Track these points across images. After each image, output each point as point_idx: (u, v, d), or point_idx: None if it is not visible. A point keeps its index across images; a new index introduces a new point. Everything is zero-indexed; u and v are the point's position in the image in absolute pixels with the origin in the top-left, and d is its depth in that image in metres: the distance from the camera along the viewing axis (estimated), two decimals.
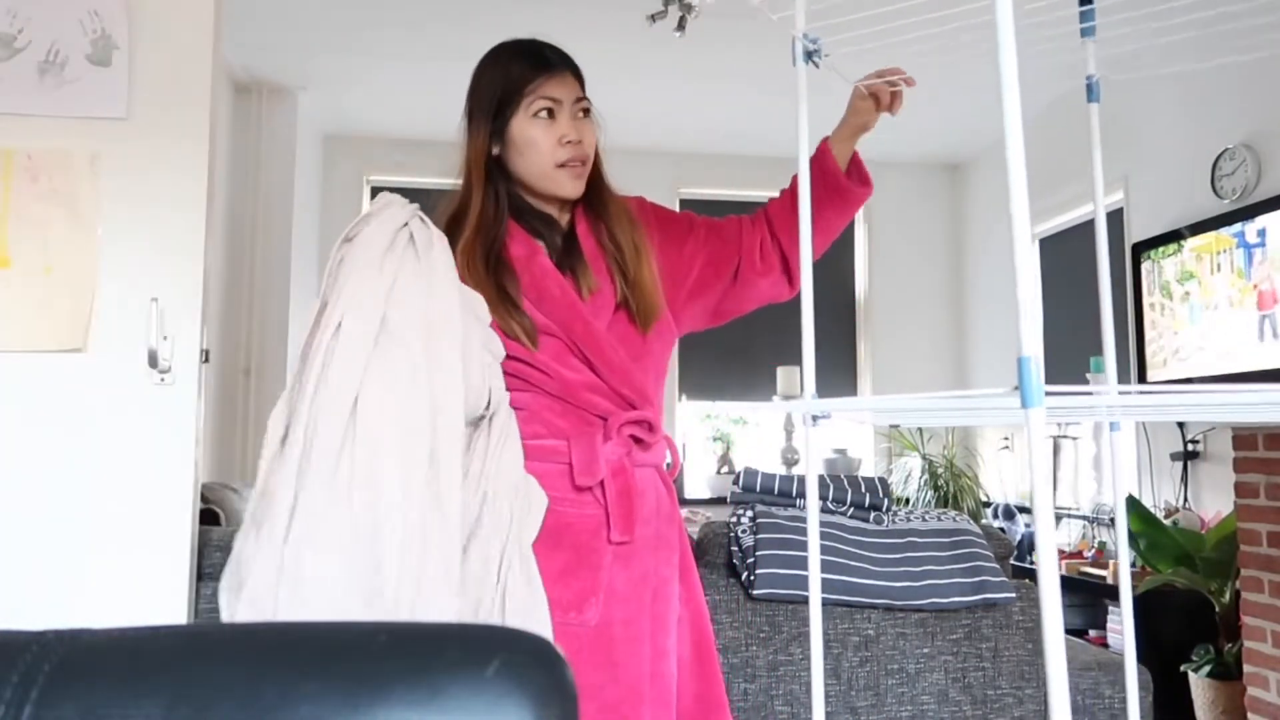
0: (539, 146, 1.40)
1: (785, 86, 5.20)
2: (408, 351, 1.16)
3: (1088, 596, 4.12)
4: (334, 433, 1.10)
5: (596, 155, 1.49)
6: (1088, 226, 4.68)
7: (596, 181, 1.49)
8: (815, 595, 0.92)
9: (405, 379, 1.15)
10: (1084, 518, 4.55)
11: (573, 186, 1.43)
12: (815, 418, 1.09)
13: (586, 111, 1.45)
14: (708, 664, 1.45)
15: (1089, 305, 4.51)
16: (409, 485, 1.11)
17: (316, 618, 1.06)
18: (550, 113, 1.41)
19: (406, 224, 1.28)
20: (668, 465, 1.49)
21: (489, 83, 1.44)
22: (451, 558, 1.15)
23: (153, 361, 2.25)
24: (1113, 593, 3.72)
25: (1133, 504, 3.64)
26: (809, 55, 1.11)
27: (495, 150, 1.44)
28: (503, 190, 1.44)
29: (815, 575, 0.93)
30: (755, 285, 1.56)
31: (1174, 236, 3.92)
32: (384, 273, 1.21)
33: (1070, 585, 4.11)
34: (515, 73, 1.42)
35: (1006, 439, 5.41)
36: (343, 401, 1.11)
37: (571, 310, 1.39)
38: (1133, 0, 1.43)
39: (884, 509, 2.51)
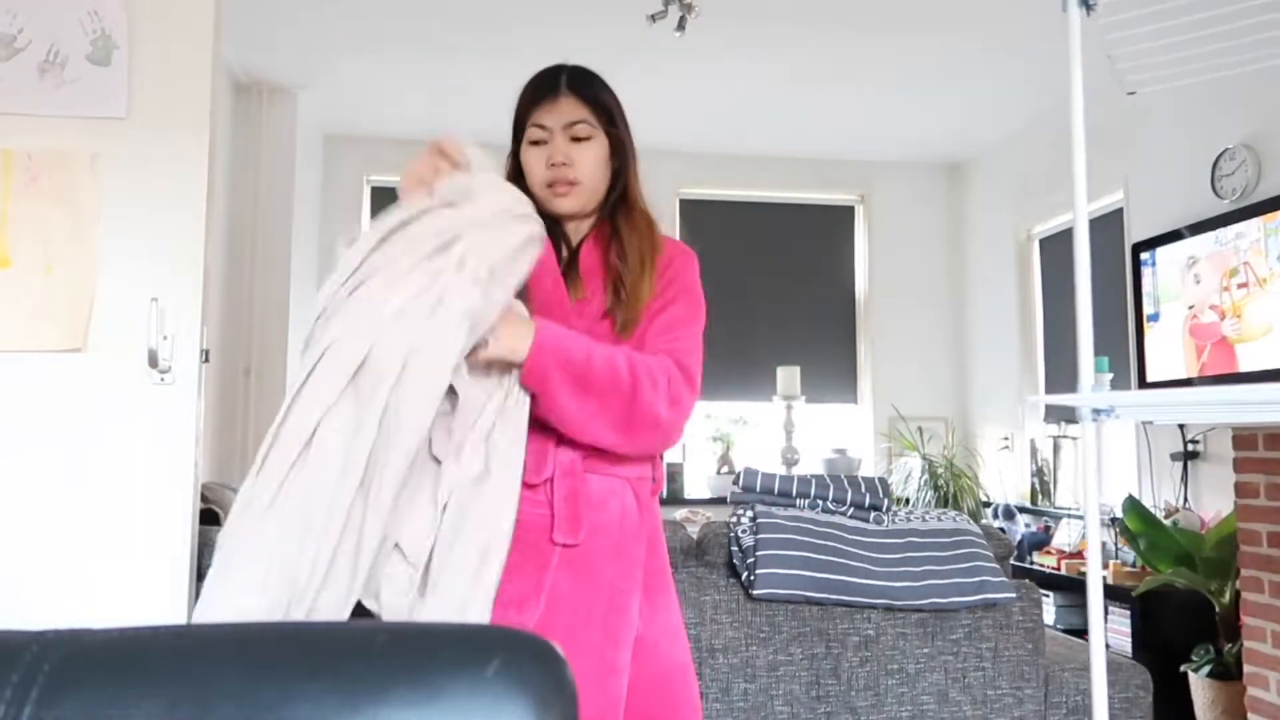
0: (532, 172, 1.49)
1: (785, 86, 5.18)
2: (375, 390, 1.21)
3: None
4: (288, 455, 1.19)
5: (627, 176, 1.53)
6: (1089, 225, 4.68)
7: (619, 200, 1.53)
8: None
9: (360, 420, 1.21)
10: (1083, 518, 4.55)
11: (559, 204, 1.49)
12: (1097, 411, 1.09)
13: (583, 138, 1.48)
14: (670, 690, 1.41)
15: (1092, 303, 4.50)
16: (336, 500, 1.17)
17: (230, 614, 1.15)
18: (540, 141, 1.49)
19: (460, 240, 1.28)
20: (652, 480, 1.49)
21: (514, 115, 1.54)
22: (362, 564, 1.19)
23: (153, 361, 2.25)
24: (1113, 592, 3.72)
25: (1133, 504, 3.64)
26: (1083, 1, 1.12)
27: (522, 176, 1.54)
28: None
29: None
30: None
31: (1174, 236, 3.92)
32: (398, 289, 1.23)
33: (1070, 585, 4.11)
34: (520, 104, 1.52)
35: (1006, 439, 5.41)
36: (303, 430, 1.21)
37: (560, 307, 1.43)
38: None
39: (884, 509, 2.51)
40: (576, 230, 1.53)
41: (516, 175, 1.52)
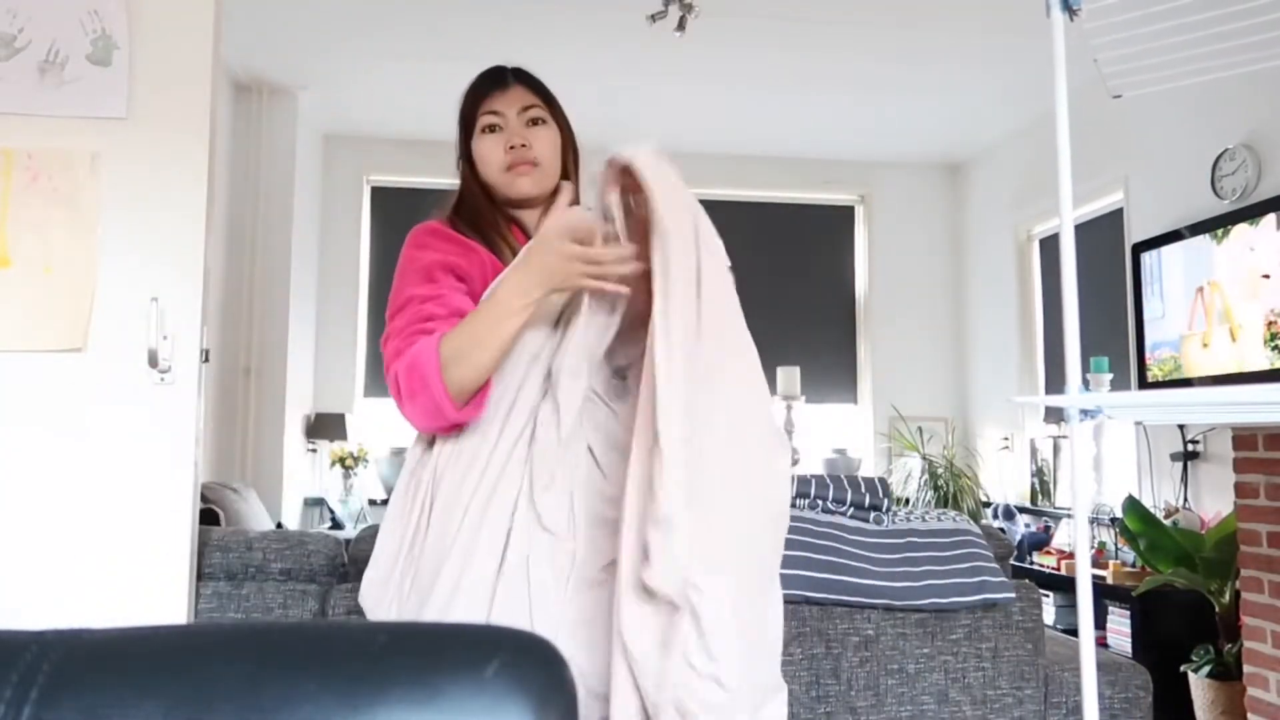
0: (488, 159, 1.48)
1: (784, 86, 5.17)
2: None
3: None
4: None
5: (575, 171, 1.54)
6: (1089, 226, 4.68)
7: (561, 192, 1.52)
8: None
9: None
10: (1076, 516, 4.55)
11: (522, 185, 1.47)
12: (1085, 412, 1.11)
13: (538, 121, 1.49)
14: None
15: (1092, 304, 4.51)
16: None
17: None
18: (495, 127, 1.48)
19: None
20: None
21: (459, 112, 1.53)
22: None
23: (153, 361, 2.25)
24: (1113, 593, 3.72)
25: (1133, 504, 3.64)
26: (1065, 4, 1.13)
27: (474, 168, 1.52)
28: (479, 203, 1.49)
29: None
30: None
31: (1174, 236, 3.93)
32: None
33: (1070, 585, 4.11)
34: (469, 97, 1.52)
35: (1006, 439, 5.41)
36: None
37: None
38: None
39: (884, 509, 2.50)
40: (531, 221, 1.51)
41: (469, 170, 1.50)
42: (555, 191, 1.50)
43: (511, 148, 1.46)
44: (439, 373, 1.25)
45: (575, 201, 1.51)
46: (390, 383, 1.31)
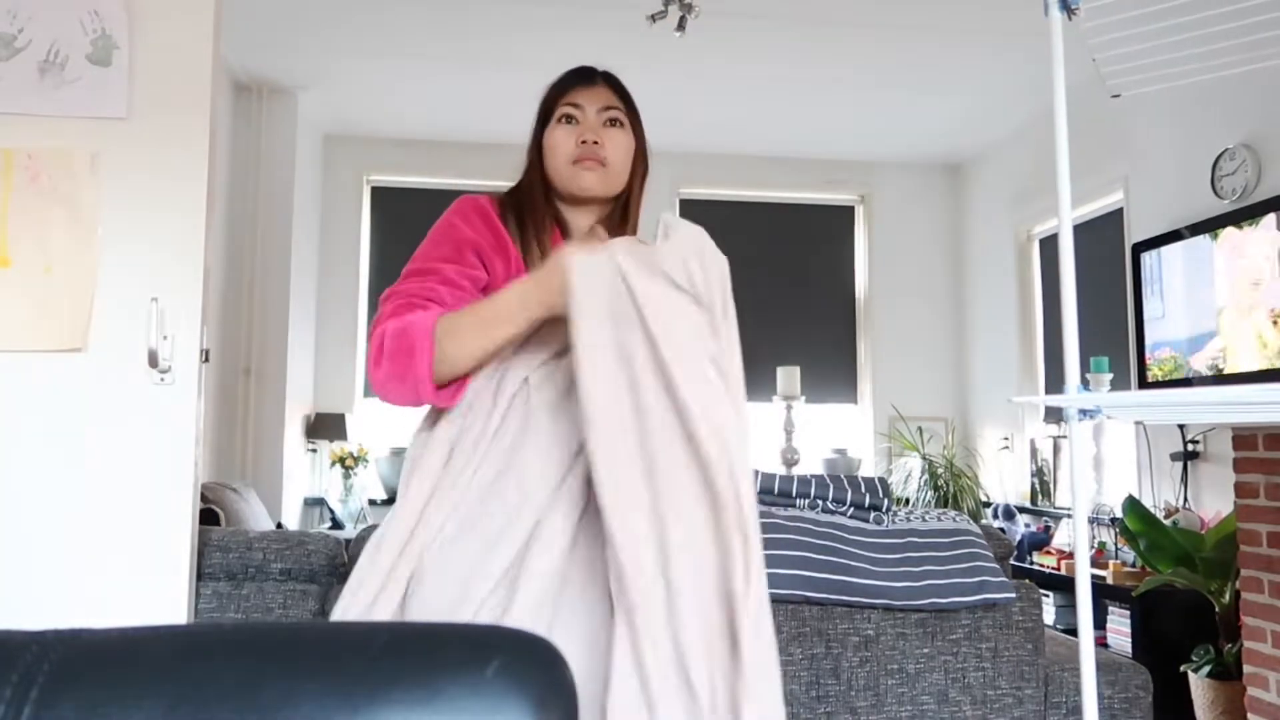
0: (558, 149, 1.47)
1: (784, 86, 5.17)
2: None
3: None
4: None
5: (640, 183, 1.54)
6: (1089, 226, 4.68)
7: (622, 213, 1.52)
8: None
9: None
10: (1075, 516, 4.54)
11: (586, 179, 1.46)
12: (1084, 412, 1.13)
13: (616, 122, 1.49)
14: None
15: (1092, 304, 4.51)
16: None
17: None
18: (572, 118, 1.48)
19: None
20: None
21: (540, 102, 1.53)
22: None
23: (153, 361, 2.25)
24: (1113, 593, 3.72)
25: (1133, 504, 3.64)
26: (1063, 4, 1.14)
27: (541, 159, 1.52)
28: (534, 195, 1.49)
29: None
30: None
31: (1174, 236, 3.92)
32: None
33: (1070, 585, 4.11)
34: (552, 88, 1.52)
35: (1006, 439, 5.41)
36: None
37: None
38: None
39: (884, 509, 2.50)
40: (579, 223, 1.51)
41: (536, 159, 1.50)
42: (616, 198, 1.50)
43: (583, 142, 1.46)
44: (430, 349, 1.26)
45: (633, 230, 1.52)
46: (374, 341, 1.31)
